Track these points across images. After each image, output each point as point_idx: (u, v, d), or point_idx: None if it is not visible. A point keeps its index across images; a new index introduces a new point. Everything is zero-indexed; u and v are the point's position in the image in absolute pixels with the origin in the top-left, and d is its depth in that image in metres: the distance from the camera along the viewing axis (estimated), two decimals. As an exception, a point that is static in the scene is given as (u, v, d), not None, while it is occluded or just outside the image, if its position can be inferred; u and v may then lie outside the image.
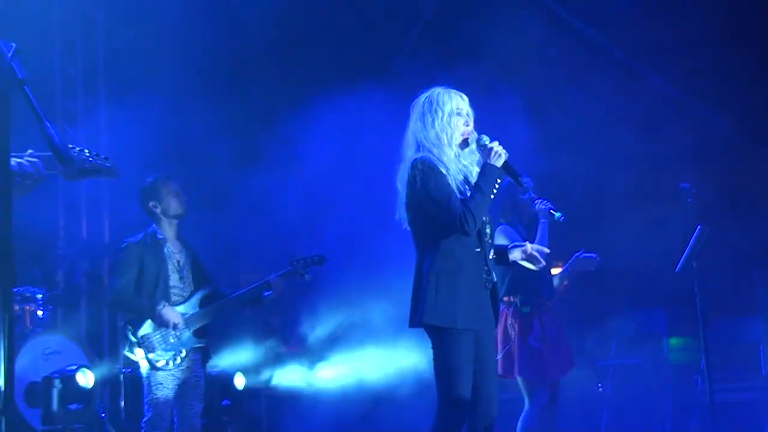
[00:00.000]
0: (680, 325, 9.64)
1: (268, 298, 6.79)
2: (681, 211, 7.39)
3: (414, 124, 5.11)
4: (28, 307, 8.16)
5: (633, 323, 9.74)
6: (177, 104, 9.50)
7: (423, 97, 5.12)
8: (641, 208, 9.65)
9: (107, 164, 3.68)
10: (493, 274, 5.11)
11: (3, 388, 2.72)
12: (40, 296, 8.36)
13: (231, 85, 10.03)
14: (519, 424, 6.91)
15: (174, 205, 6.69)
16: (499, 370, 6.80)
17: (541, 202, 6.77)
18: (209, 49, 9.42)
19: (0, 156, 2.79)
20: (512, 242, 6.15)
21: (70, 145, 3.56)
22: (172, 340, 6.57)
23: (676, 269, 7.21)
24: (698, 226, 7.19)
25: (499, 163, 4.99)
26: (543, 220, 6.77)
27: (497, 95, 8.07)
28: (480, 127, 5.12)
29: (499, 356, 6.82)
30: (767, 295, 9.37)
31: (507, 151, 5.01)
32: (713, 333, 7.76)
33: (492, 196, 4.99)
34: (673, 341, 10.13)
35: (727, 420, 7.84)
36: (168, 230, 6.74)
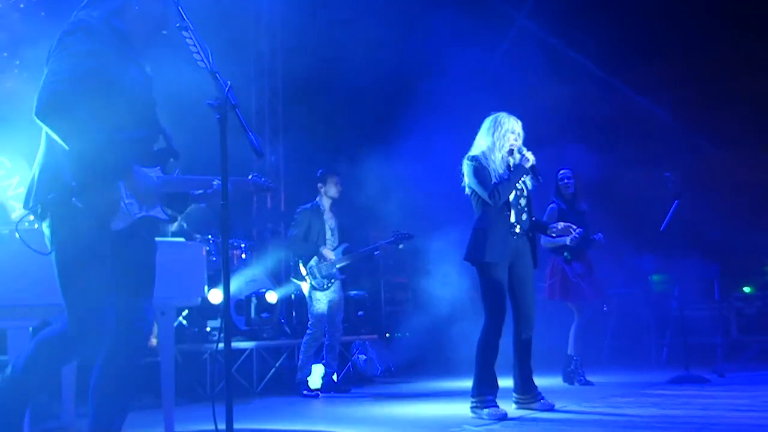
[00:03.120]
0: (662, 265, 9.46)
1: (377, 256, 7.16)
2: (665, 191, 7.22)
3: (482, 132, 5.19)
4: (236, 252, 8.37)
5: (631, 265, 9.56)
6: (333, 121, 9.56)
7: (491, 116, 5.18)
8: (642, 189, 9.48)
9: (272, 185, 3.77)
10: (525, 228, 5.11)
11: (224, 304, 2.85)
12: (243, 245, 8.55)
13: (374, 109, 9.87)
14: (571, 332, 6.91)
15: (333, 190, 6.96)
16: (547, 293, 6.87)
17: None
18: (353, 89, 9.36)
19: (221, 153, 2.87)
20: (547, 217, 6.62)
21: (252, 175, 3.61)
22: (326, 272, 6.79)
23: (661, 229, 7.06)
24: (675, 201, 7.04)
25: (527, 164, 5.02)
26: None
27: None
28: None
29: (548, 283, 6.90)
30: (722, 247, 9.11)
31: (535, 159, 5.05)
32: (684, 271, 7.58)
33: (517, 184, 5.04)
34: (656, 277, 9.96)
35: (692, 330, 7.67)
36: (326, 203, 6.97)
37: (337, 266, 6.88)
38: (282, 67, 10.73)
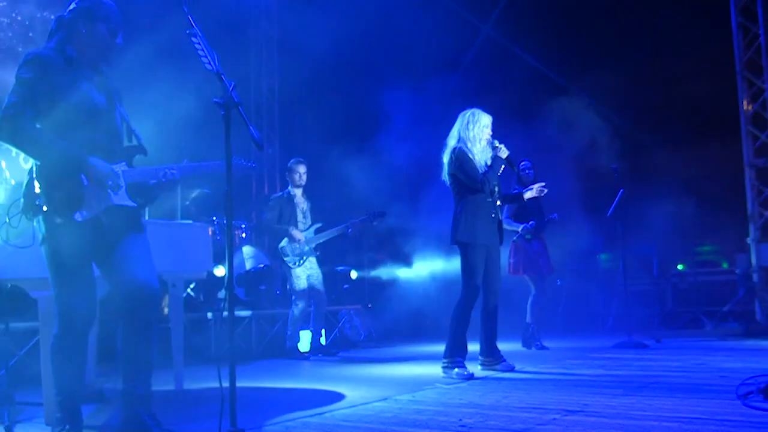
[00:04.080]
0: (609, 245, 9.52)
1: (350, 233, 6.91)
2: (611, 180, 7.27)
3: (460, 125, 5.11)
4: (237, 232, 8.34)
5: (582, 244, 9.63)
6: (324, 116, 9.53)
7: (468, 111, 5.12)
8: (590, 179, 9.51)
9: (253, 165, 3.70)
10: (499, 213, 5.15)
11: (227, 276, 2.85)
12: (243, 226, 8.52)
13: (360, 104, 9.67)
14: (529, 303, 6.95)
15: (295, 179, 6.85)
16: (512, 270, 6.88)
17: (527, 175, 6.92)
18: (343, 86, 9.25)
19: (225, 145, 2.86)
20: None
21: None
22: (297, 250, 6.74)
23: (608, 214, 7.12)
24: (621, 190, 7.10)
25: (503, 155, 5.02)
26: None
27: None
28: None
29: (512, 260, 6.90)
30: (657, 231, 9.20)
31: (508, 150, 5.05)
32: (628, 250, 7.64)
33: (498, 174, 5.03)
34: (603, 255, 10.04)
35: (635, 301, 7.77)
36: (296, 190, 6.89)
37: (311, 244, 6.81)
38: (278, 67, 10.71)
